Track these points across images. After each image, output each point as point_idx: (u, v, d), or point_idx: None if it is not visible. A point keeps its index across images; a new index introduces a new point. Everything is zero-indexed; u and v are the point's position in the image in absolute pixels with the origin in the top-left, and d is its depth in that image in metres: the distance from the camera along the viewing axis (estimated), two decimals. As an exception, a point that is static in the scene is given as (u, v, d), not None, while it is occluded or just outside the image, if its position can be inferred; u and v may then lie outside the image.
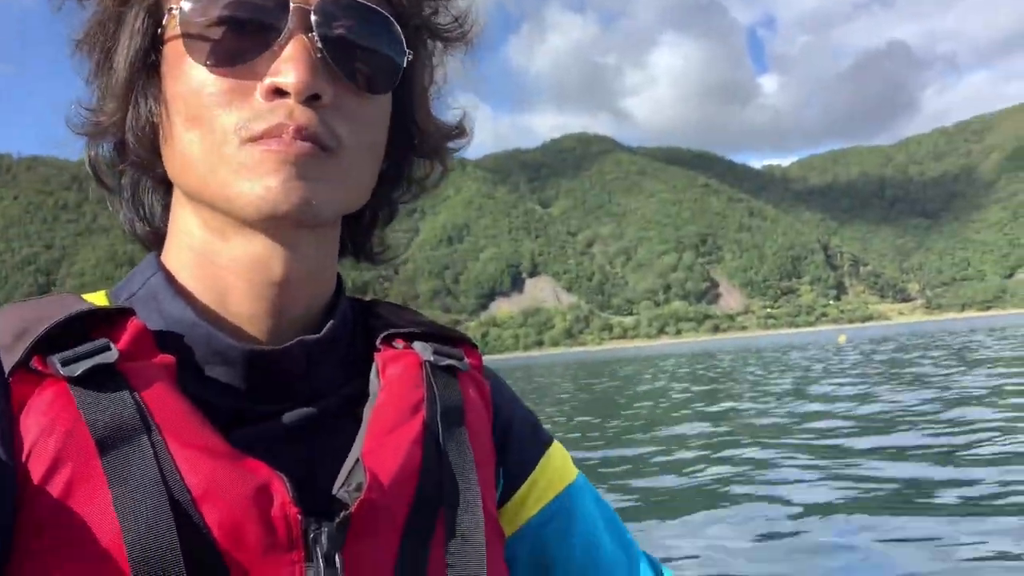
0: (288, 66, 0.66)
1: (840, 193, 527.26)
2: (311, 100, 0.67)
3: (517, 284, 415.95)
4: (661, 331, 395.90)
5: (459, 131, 0.87)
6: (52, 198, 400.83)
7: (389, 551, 0.67)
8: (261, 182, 0.66)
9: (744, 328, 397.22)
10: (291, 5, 0.68)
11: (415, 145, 0.84)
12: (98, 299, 0.75)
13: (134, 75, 0.71)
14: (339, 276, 0.83)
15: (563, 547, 0.86)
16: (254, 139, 0.66)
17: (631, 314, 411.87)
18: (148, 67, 0.72)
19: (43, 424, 0.61)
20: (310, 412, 0.73)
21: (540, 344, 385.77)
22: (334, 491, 0.68)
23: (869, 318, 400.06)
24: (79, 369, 0.62)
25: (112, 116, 0.73)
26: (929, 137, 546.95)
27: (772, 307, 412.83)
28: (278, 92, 0.66)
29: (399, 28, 0.74)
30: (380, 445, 0.70)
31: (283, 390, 0.73)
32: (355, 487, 0.67)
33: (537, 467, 0.88)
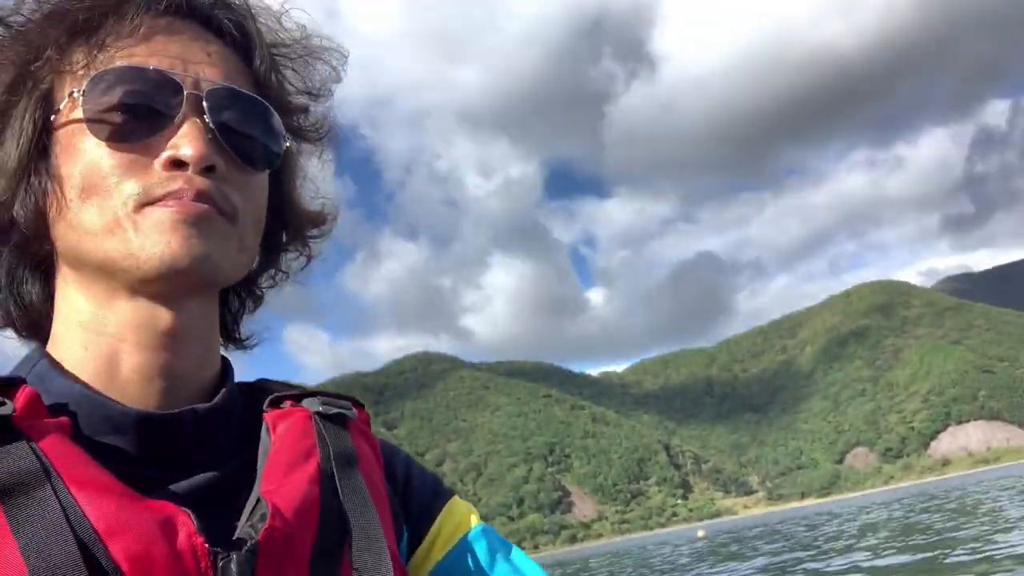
0: (185, 140, 0.72)
1: (673, 394, 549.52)
2: (207, 171, 0.73)
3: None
4: (518, 545, 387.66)
5: (325, 217, 0.94)
6: None
7: None
8: (163, 238, 0.70)
9: (600, 535, 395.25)
10: (184, 92, 0.74)
11: (287, 228, 0.90)
12: None
13: (25, 157, 0.74)
14: (227, 360, 0.86)
15: None
16: (154, 201, 0.71)
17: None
18: (39, 151, 0.75)
19: None
20: (206, 477, 0.74)
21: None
22: (239, 527, 0.69)
23: (717, 514, 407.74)
24: None
25: (2, 196, 0.75)
26: (747, 337, 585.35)
27: (624, 511, 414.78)
28: (176, 164, 0.72)
29: (278, 116, 0.82)
30: (279, 485, 0.72)
31: (177, 458, 0.74)
32: (259, 518, 0.67)
33: (440, 515, 0.91)
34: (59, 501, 0.60)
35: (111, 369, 0.74)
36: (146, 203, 0.70)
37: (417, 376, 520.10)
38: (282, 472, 0.74)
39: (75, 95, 0.73)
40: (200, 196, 0.71)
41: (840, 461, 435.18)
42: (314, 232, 0.93)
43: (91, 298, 0.75)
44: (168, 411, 0.74)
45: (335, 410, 0.83)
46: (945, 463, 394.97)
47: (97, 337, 0.74)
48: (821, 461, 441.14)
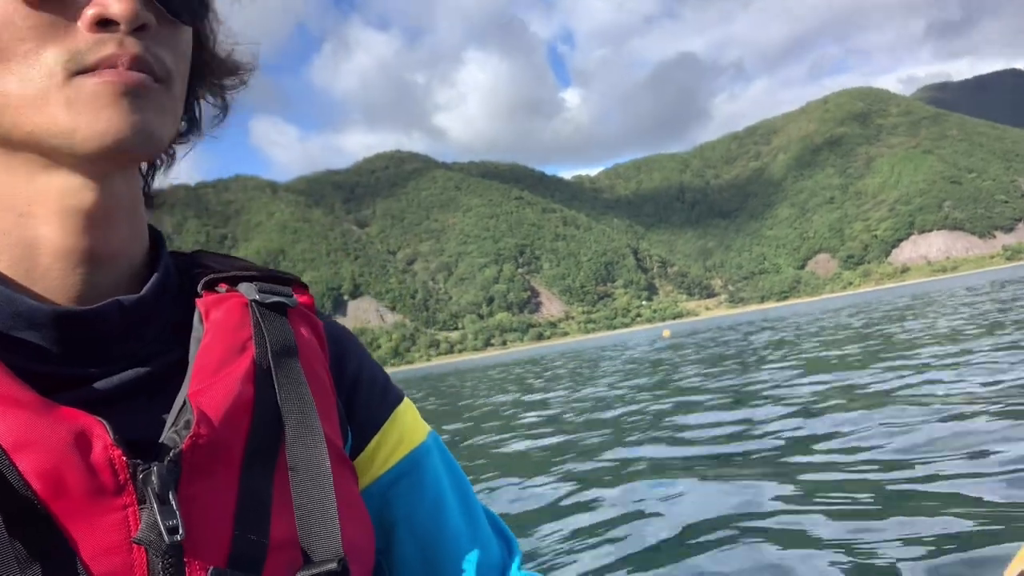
0: None
1: (644, 199, 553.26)
2: (139, 31, 0.65)
3: (339, 307, 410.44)
4: (487, 343, 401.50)
5: (240, 66, 0.86)
6: None
7: (228, 487, 0.64)
8: (101, 114, 0.63)
9: (566, 334, 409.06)
10: None
11: (203, 81, 0.83)
12: None
13: None
14: (159, 232, 0.81)
15: (408, 508, 0.84)
16: (85, 71, 0.64)
17: (456, 328, 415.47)
18: None
19: None
20: (133, 373, 0.70)
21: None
22: (162, 435, 0.65)
23: (680, 315, 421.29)
24: None
25: None
26: (721, 142, 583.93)
27: (591, 311, 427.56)
28: (104, 23, 0.64)
29: None
30: (208, 386, 0.67)
31: (101, 353, 0.69)
32: (183, 425, 0.64)
33: (386, 423, 0.86)
34: None
35: (30, 254, 0.68)
36: (77, 72, 0.63)
37: (389, 175, 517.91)
38: (213, 368, 0.69)
39: None
40: (135, 62, 0.64)
41: (802, 267, 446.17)
42: (230, 82, 0.85)
43: (8, 175, 0.68)
44: (90, 306, 0.68)
45: (274, 298, 0.78)
46: (904, 270, 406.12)
47: (15, 218, 0.68)
48: (783, 266, 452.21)
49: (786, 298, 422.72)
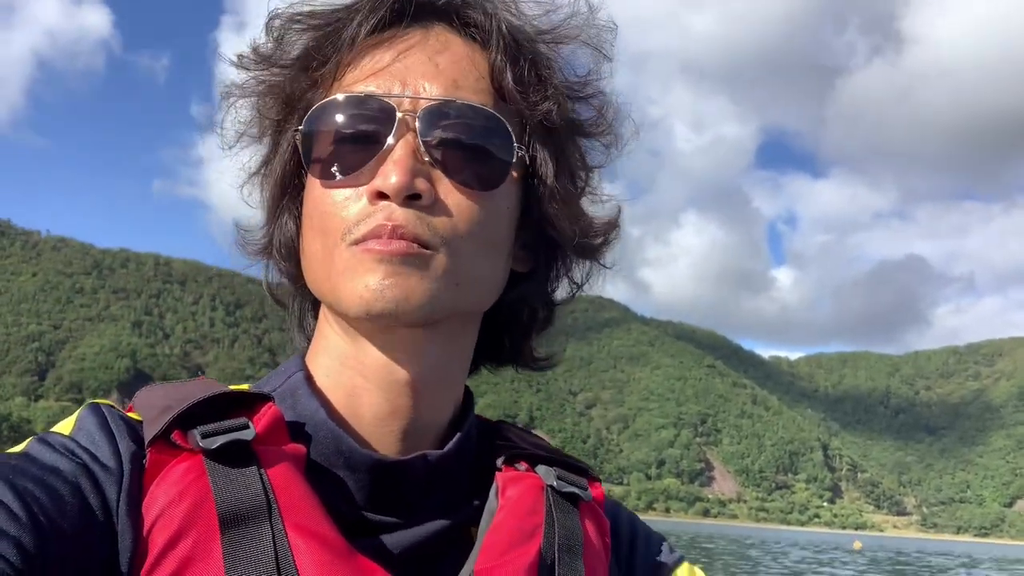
0: (390, 168, 0.69)
1: (844, 396, 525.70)
2: (411, 200, 0.69)
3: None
4: (649, 506, 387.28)
5: (607, 226, 0.85)
6: (70, 280, 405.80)
7: None
8: (361, 281, 0.69)
9: (734, 516, 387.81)
10: (397, 115, 0.71)
11: (556, 242, 0.82)
12: (244, 388, 0.76)
13: (279, 196, 0.79)
14: (470, 392, 0.83)
15: None
16: (357, 241, 0.70)
17: (621, 484, 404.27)
18: (293, 189, 0.80)
19: (172, 494, 0.63)
20: (427, 527, 0.73)
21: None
22: None
23: (862, 526, 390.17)
24: (217, 442, 0.64)
25: (265, 234, 0.82)
26: (938, 354, 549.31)
27: (765, 499, 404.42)
28: (380, 195, 0.70)
29: (507, 124, 0.74)
30: (495, 565, 0.69)
31: (401, 502, 0.73)
32: None
33: None
34: (274, 542, 0.61)
35: (352, 404, 0.75)
36: (353, 242, 0.70)
37: (587, 317, 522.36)
38: (502, 549, 0.71)
39: (296, 136, 0.75)
40: (398, 232, 0.69)
41: (1009, 505, 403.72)
42: (593, 241, 0.84)
43: (340, 331, 0.76)
44: (400, 458, 0.73)
45: (569, 488, 0.79)
46: None
47: (340, 368, 0.76)
48: (988, 500, 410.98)
49: (986, 535, 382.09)
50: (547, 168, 0.78)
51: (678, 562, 0.87)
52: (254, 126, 0.81)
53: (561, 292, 0.88)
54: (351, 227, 0.70)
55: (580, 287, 0.88)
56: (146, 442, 0.66)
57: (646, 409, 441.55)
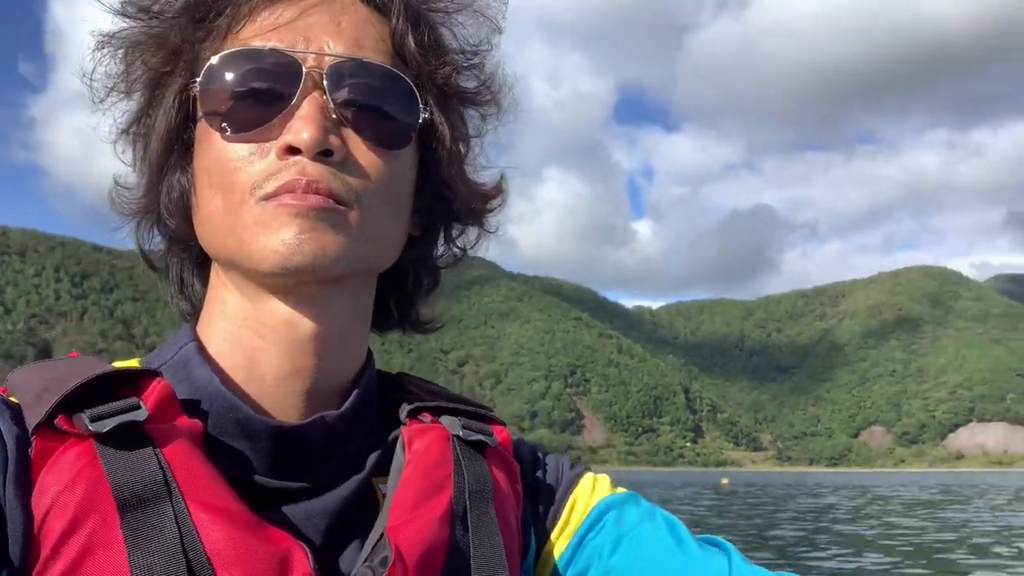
0: (299, 124, 0.68)
1: (703, 341, 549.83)
2: (323, 156, 0.68)
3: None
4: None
5: (495, 192, 0.86)
6: None
7: None
8: (277, 235, 0.67)
9: (604, 462, 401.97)
10: (303, 70, 0.70)
11: (450, 206, 0.83)
12: (132, 365, 0.73)
13: (165, 151, 0.75)
14: (369, 351, 0.82)
15: (603, 560, 0.82)
16: (268, 196, 0.68)
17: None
18: (181, 144, 0.76)
19: (65, 481, 0.60)
20: (335, 491, 0.72)
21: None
22: (357, 566, 0.66)
23: (723, 463, 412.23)
24: (108, 426, 0.61)
25: (147, 192, 0.78)
26: (788, 297, 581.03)
27: (632, 443, 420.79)
28: (291, 150, 0.68)
29: (413, 87, 0.75)
30: (405, 521, 0.68)
31: (304, 465, 0.72)
32: (379, 562, 0.65)
33: (565, 506, 0.86)
34: (176, 521, 0.59)
35: (250, 367, 0.73)
36: (262, 198, 0.69)
37: (455, 277, 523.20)
38: (412, 504, 0.70)
39: (193, 88, 0.73)
40: (313, 186, 0.68)
41: (855, 436, 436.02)
42: (482, 206, 0.86)
43: (236, 291, 0.74)
44: (298, 422, 0.72)
45: (476, 436, 0.79)
46: (959, 456, 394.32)
47: (237, 330, 0.74)
48: (836, 432, 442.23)
49: (835, 465, 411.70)
50: (444, 132, 0.79)
51: (580, 474, 0.89)
52: (125, 79, 0.77)
53: (446, 257, 0.89)
54: (260, 182, 0.69)
55: (465, 251, 0.89)
56: (30, 429, 0.63)
57: (517, 364, 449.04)
